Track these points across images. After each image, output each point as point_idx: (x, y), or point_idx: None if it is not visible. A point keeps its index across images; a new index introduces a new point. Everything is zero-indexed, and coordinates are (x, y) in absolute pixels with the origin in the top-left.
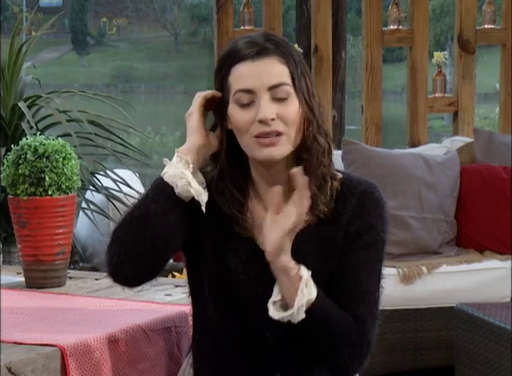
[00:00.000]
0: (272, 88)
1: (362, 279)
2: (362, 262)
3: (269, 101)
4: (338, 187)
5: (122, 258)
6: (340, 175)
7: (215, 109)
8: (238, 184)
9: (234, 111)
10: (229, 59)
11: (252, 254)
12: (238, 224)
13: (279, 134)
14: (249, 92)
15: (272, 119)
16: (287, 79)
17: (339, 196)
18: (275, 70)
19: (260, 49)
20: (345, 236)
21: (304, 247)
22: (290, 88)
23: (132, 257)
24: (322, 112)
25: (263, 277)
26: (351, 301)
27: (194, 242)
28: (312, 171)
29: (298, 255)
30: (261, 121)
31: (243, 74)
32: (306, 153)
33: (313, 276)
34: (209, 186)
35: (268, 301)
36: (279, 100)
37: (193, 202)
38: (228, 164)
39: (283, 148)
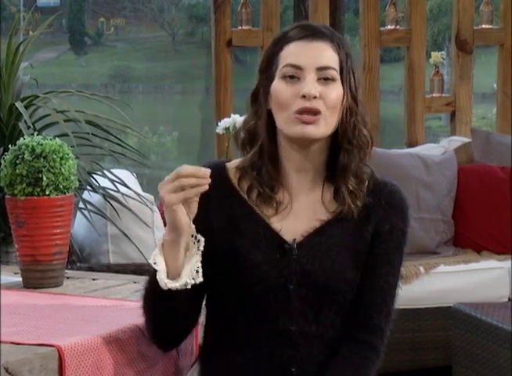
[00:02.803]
0: (320, 69)
1: (390, 289)
2: (392, 269)
3: (315, 80)
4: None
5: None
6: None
7: (255, 91)
8: (271, 166)
9: (278, 85)
10: (285, 38)
11: (274, 245)
12: (267, 203)
13: (317, 112)
14: (297, 67)
15: (315, 97)
16: (336, 65)
17: (369, 195)
18: (326, 54)
19: (316, 32)
20: (375, 234)
21: (329, 237)
22: (336, 74)
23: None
24: (363, 105)
25: (285, 267)
26: (382, 319)
27: (212, 242)
28: (352, 164)
29: (323, 245)
30: (303, 96)
31: (296, 51)
32: (348, 144)
33: (338, 267)
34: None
35: (291, 292)
36: (325, 82)
37: (206, 203)
38: (264, 144)
39: (320, 128)
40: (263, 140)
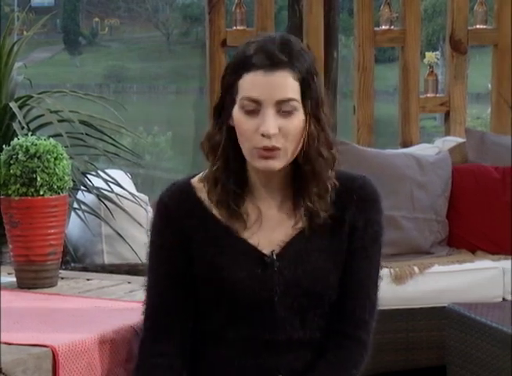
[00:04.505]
0: (280, 102)
1: (371, 282)
2: (370, 262)
3: (274, 115)
4: (333, 194)
5: None
6: (334, 180)
7: (219, 106)
8: (236, 180)
9: (238, 116)
10: (242, 64)
11: (252, 260)
12: (236, 218)
13: (278, 149)
14: (256, 101)
15: (274, 134)
16: (296, 94)
17: (340, 193)
18: (284, 85)
19: (273, 62)
20: (351, 232)
21: (307, 243)
22: (296, 103)
23: None
24: (329, 121)
25: (268, 280)
26: (365, 312)
27: (193, 262)
28: (313, 182)
29: (302, 252)
30: (263, 134)
31: (253, 84)
32: (308, 165)
33: (320, 271)
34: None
35: (276, 303)
36: (284, 114)
37: (182, 229)
38: (229, 159)
39: (281, 161)
40: (228, 156)
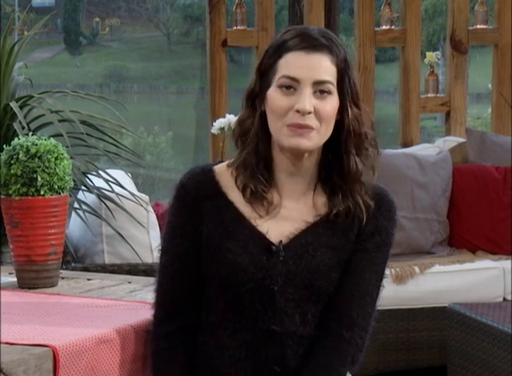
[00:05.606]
0: (317, 83)
1: (367, 285)
2: (369, 265)
3: (311, 94)
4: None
5: None
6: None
7: (252, 92)
8: (264, 165)
9: (274, 94)
10: (284, 45)
11: (259, 247)
12: (257, 203)
13: (311, 128)
14: (295, 79)
15: (309, 112)
16: (333, 78)
17: None
18: (324, 67)
19: (315, 44)
20: (359, 233)
21: (315, 238)
22: (333, 87)
23: None
24: (366, 116)
25: (271, 268)
26: (353, 310)
27: (200, 244)
28: (359, 168)
29: (309, 246)
30: (298, 111)
31: (294, 63)
32: (357, 151)
33: (323, 267)
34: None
35: (276, 292)
36: (320, 95)
37: (197, 210)
38: (259, 145)
39: (312, 142)
40: (258, 142)
